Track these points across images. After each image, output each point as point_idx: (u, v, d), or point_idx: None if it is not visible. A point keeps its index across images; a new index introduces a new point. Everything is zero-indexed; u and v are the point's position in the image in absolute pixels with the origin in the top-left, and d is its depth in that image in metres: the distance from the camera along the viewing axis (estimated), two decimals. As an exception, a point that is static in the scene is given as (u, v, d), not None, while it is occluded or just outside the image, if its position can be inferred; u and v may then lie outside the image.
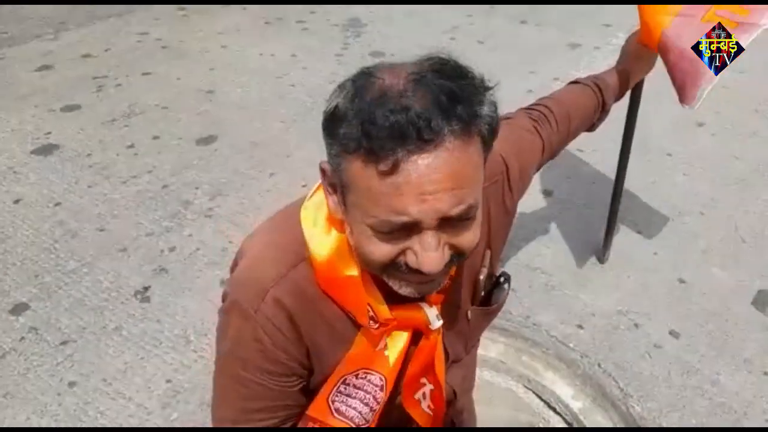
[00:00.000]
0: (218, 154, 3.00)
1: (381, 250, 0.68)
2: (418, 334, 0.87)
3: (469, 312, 0.95)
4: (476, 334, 1.03)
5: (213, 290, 2.18)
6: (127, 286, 2.21)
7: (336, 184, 0.71)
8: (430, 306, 0.82)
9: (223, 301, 0.84)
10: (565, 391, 1.90)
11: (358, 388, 0.86)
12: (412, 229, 0.66)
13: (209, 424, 1.77)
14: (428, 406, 0.97)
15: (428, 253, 0.66)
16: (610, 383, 1.86)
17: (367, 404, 0.86)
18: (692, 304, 2.11)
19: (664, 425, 1.73)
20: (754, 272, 2.24)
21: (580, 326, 2.03)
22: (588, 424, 1.81)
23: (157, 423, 1.74)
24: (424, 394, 0.96)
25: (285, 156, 2.97)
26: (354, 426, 0.87)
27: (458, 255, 0.70)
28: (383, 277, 0.73)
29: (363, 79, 0.66)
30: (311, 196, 0.83)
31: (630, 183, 2.62)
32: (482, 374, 1.99)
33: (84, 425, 1.74)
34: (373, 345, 0.84)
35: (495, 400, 1.94)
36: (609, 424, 1.80)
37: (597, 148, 2.88)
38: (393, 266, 0.70)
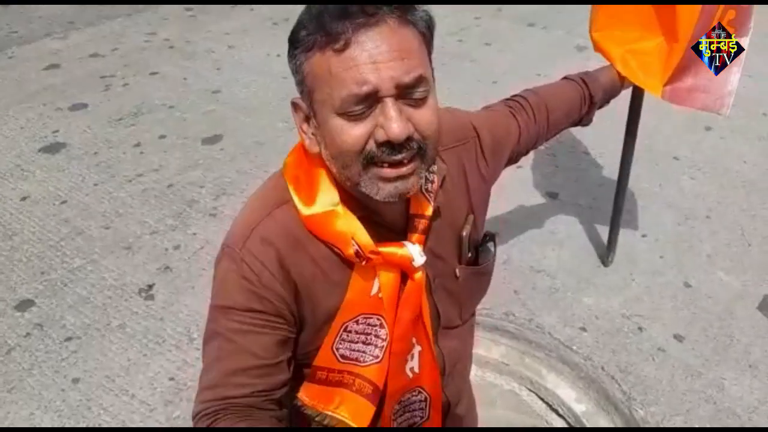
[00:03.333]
0: (223, 153, 3.01)
1: (353, 135, 0.74)
2: (406, 281, 0.88)
3: (457, 270, 0.97)
4: (469, 299, 1.04)
5: (217, 289, 2.18)
6: (132, 283, 2.22)
7: (306, 109, 0.79)
8: (413, 244, 0.86)
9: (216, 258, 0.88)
10: (568, 393, 1.89)
11: (360, 333, 0.88)
12: (374, 102, 0.73)
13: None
14: (411, 369, 0.97)
15: (391, 121, 0.72)
16: (614, 386, 1.85)
17: (370, 343, 0.89)
18: (697, 308, 2.10)
19: (668, 429, 1.72)
20: (760, 277, 2.22)
21: (583, 329, 2.02)
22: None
23: (160, 420, 1.74)
24: (412, 355, 0.97)
25: (290, 156, 2.98)
26: (362, 365, 0.89)
27: (423, 141, 0.76)
28: (362, 182, 0.77)
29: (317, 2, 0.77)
30: (291, 153, 0.88)
31: (636, 186, 2.61)
32: (485, 375, 1.99)
33: (87, 421, 1.75)
34: (367, 290, 0.86)
35: (497, 401, 1.94)
36: (612, 428, 1.79)
37: (604, 151, 2.87)
38: (368, 157, 0.75)
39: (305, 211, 0.82)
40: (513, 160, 1.16)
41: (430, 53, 0.80)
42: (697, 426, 1.73)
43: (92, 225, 2.52)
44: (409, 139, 0.74)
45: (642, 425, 1.75)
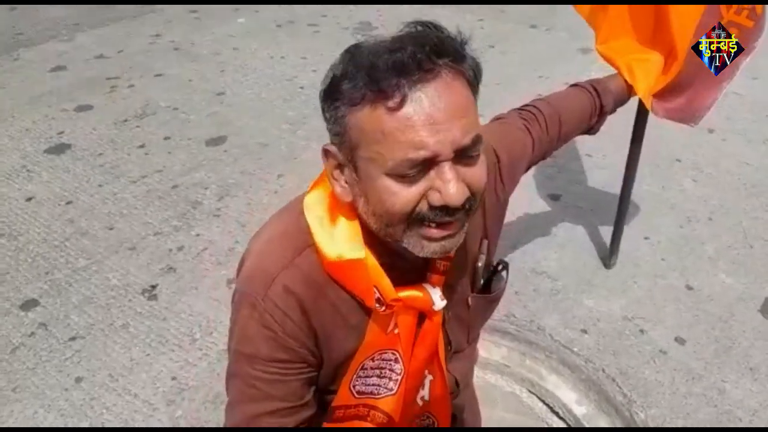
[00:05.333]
0: (227, 154, 3.03)
1: (404, 197, 0.70)
2: (422, 320, 0.89)
3: (469, 299, 0.97)
4: (477, 323, 1.04)
5: (219, 289, 2.20)
6: (135, 284, 2.24)
7: (343, 159, 0.74)
8: (434, 287, 0.85)
9: (232, 300, 0.85)
10: (568, 395, 1.89)
11: (375, 368, 0.89)
12: (429, 165, 0.69)
13: (213, 423, 1.79)
14: (421, 398, 0.98)
15: (450, 185, 0.68)
16: (614, 389, 1.85)
17: (384, 377, 0.89)
18: (699, 311, 2.10)
19: None
20: (762, 279, 2.22)
21: (584, 331, 2.02)
22: (591, 429, 1.80)
23: (162, 420, 1.76)
24: (423, 385, 0.97)
25: (293, 157, 3.00)
26: (377, 397, 0.89)
27: (472, 195, 0.73)
28: (405, 239, 0.74)
29: (353, 47, 0.72)
30: (311, 190, 0.85)
31: (638, 188, 2.60)
32: (486, 377, 2.00)
33: (90, 420, 1.76)
34: (384, 329, 0.86)
35: (499, 403, 1.94)
36: (612, 430, 1.79)
37: (607, 154, 2.88)
38: (416, 217, 0.72)
39: (329, 256, 0.79)
40: (524, 172, 1.15)
41: (476, 97, 0.77)
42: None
43: (96, 225, 2.54)
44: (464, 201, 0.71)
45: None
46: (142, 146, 3.10)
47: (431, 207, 0.71)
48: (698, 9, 1.51)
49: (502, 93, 3.31)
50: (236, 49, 4.22)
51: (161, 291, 2.21)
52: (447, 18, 4.72)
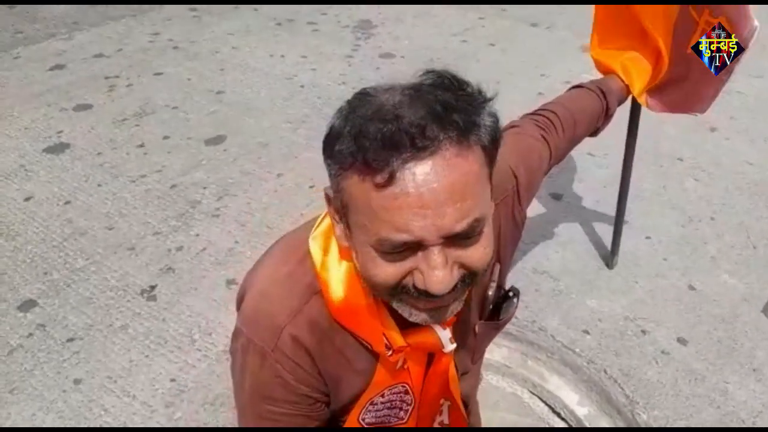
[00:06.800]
0: (227, 154, 3.01)
1: (386, 272, 0.65)
2: (431, 357, 0.87)
3: (477, 326, 0.94)
4: (483, 346, 1.03)
5: (219, 290, 2.18)
6: (134, 284, 2.23)
7: (339, 208, 0.70)
8: (443, 329, 0.81)
9: (235, 337, 0.83)
10: (570, 396, 1.88)
11: (385, 402, 0.88)
12: (416, 247, 0.63)
13: (212, 425, 1.78)
14: (440, 422, 0.98)
15: (435, 272, 0.62)
16: (616, 390, 1.84)
17: (395, 407, 0.88)
18: (701, 311, 2.08)
19: (671, 433, 1.71)
20: (764, 279, 2.21)
21: (586, 332, 2.01)
22: (593, 431, 1.79)
23: (161, 421, 1.74)
24: (441, 411, 0.98)
25: (293, 157, 2.98)
26: (388, 425, 0.90)
27: (470, 275, 0.67)
28: (393, 303, 0.71)
29: (358, 97, 0.66)
30: (319, 225, 0.82)
31: (640, 188, 2.60)
32: (487, 378, 1.99)
33: (88, 422, 1.75)
34: (392, 369, 0.84)
35: (500, 404, 1.93)
36: None
37: (608, 153, 2.86)
38: (401, 290, 0.67)
39: (336, 303, 0.76)
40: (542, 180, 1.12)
41: (492, 164, 0.68)
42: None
43: (95, 226, 2.52)
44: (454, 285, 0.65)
45: (645, 429, 1.74)
46: (141, 145, 3.08)
47: (415, 287, 0.66)
48: (671, 9, 1.52)
49: (503, 91, 3.29)
50: (236, 48, 4.20)
51: (160, 291, 2.19)
52: (447, 16, 4.72)
